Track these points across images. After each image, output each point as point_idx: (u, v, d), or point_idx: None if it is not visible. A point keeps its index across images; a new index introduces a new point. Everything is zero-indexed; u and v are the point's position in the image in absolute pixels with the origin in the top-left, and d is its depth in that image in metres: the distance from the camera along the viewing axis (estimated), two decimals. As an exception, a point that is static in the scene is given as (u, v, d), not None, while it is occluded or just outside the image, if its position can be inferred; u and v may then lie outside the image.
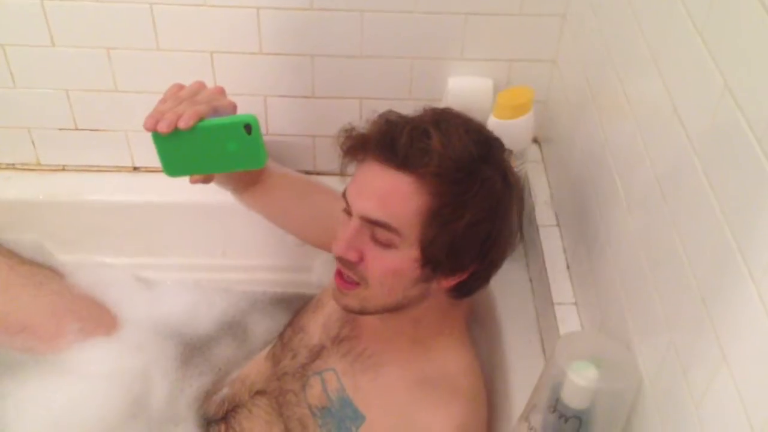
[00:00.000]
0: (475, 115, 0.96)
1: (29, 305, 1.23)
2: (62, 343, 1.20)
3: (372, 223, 0.88)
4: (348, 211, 0.91)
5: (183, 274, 1.34)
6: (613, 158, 0.90)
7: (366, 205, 0.88)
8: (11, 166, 1.32)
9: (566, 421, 0.78)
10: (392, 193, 0.87)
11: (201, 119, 0.87)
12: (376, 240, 0.89)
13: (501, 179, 0.90)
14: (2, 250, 1.28)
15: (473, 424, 0.94)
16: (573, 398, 0.78)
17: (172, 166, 0.91)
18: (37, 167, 1.33)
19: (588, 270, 0.98)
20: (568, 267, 1.05)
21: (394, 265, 0.89)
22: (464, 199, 0.87)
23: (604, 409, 0.78)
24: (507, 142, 0.95)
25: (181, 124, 0.85)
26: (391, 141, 0.86)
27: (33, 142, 1.29)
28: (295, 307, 1.24)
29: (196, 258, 1.35)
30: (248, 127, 0.87)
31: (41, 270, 1.28)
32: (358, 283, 0.92)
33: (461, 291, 0.96)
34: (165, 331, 1.27)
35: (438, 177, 0.85)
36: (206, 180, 0.96)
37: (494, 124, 1.06)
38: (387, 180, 0.87)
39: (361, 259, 0.90)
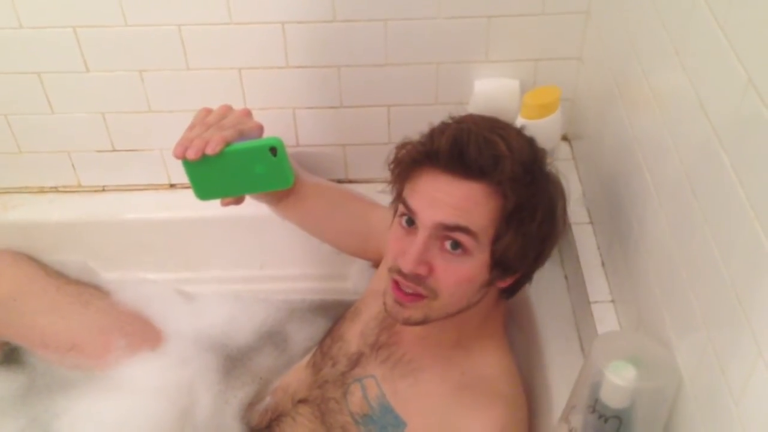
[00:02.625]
0: (503, 116, 0.96)
1: (77, 324, 1.27)
2: (110, 359, 1.23)
3: (449, 229, 0.87)
4: (410, 224, 0.91)
5: (222, 287, 1.37)
6: (642, 153, 0.90)
7: (442, 212, 0.87)
8: (54, 189, 1.36)
9: (606, 421, 0.78)
10: (468, 200, 0.87)
11: (228, 144, 0.90)
12: (446, 250, 0.89)
13: (553, 178, 0.93)
14: (49, 271, 1.32)
15: (514, 428, 0.95)
16: (612, 398, 0.77)
17: (203, 190, 0.94)
18: (78, 189, 1.36)
19: (623, 267, 0.97)
20: (603, 264, 1.05)
21: (467, 273, 0.90)
22: (535, 201, 0.89)
23: (644, 408, 0.77)
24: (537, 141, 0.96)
25: (209, 150, 0.88)
26: (459, 152, 0.87)
27: (73, 165, 1.33)
28: (333, 313, 1.26)
29: (234, 270, 1.37)
30: (274, 150, 0.90)
31: (87, 289, 1.32)
32: (423, 296, 0.91)
33: (511, 291, 0.98)
34: (207, 343, 1.29)
35: (511, 181, 0.87)
36: (237, 201, 0.98)
37: (522, 124, 1.06)
38: (461, 188, 0.87)
39: (431, 271, 0.90)
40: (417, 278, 0.90)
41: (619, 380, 0.76)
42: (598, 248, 1.07)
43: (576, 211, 1.13)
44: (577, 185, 1.18)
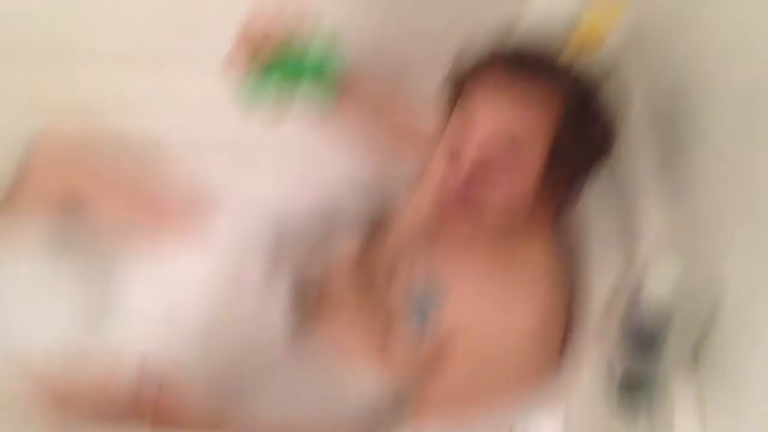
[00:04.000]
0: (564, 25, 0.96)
1: (138, 181, 1.33)
2: (171, 216, 1.29)
3: (501, 147, 0.88)
4: (461, 142, 0.92)
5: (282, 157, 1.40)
6: (700, 62, 0.88)
7: (499, 123, 0.88)
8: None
9: (647, 313, 0.81)
10: (526, 110, 0.88)
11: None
12: (499, 163, 0.90)
13: (613, 91, 0.94)
14: (107, 151, 1.36)
15: (553, 317, 0.99)
16: (654, 294, 0.80)
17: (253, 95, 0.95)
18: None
19: (677, 178, 0.97)
20: (657, 174, 1.04)
21: (517, 191, 0.91)
22: (597, 110, 0.90)
23: (685, 307, 0.80)
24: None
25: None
26: (519, 61, 0.88)
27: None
28: (388, 191, 1.29)
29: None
30: (324, 70, 0.91)
31: (144, 162, 1.37)
32: (472, 208, 0.94)
33: (565, 207, 1.01)
34: (263, 209, 1.34)
35: (573, 93, 0.88)
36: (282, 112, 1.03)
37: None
38: (519, 99, 0.88)
39: (481, 187, 0.91)
40: (465, 195, 0.92)
41: (662, 277, 0.78)
42: (654, 159, 1.06)
43: (633, 122, 1.12)
44: (635, 98, 1.16)
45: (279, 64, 0.93)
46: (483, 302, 0.99)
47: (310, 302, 1.19)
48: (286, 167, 1.41)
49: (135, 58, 1.38)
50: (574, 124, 0.89)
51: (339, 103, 1.10)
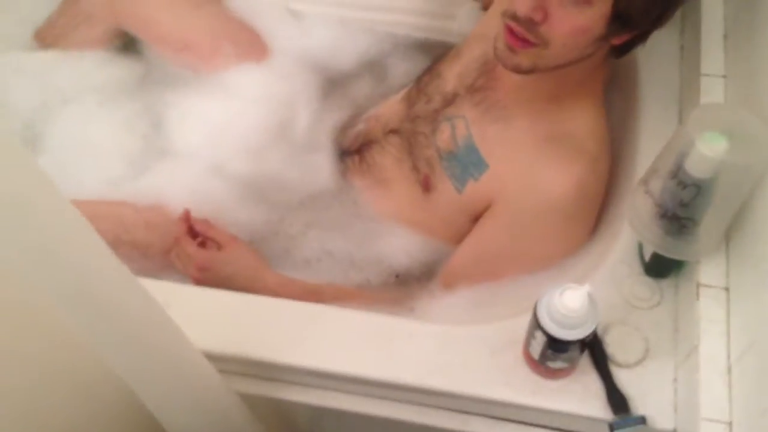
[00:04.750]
0: None
1: (190, 24, 1.32)
2: (218, 63, 1.29)
3: None
4: None
5: (330, 9, 1.37)
6: None
7: None
8: None
9: (685, 188, 0.79)
10: None
11: None
12: None
13: None
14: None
15: (591, 185, 0.97)
16: (696, 167, 0.77)
17: None
18: None
19: (746, 41, 0.92)
20: (725, 36, 0.99)
21: (584, 24, 0.86)
22: None
23: (726, 183, 0.77)
24: None
25: None
26: None
27: None
28: (435, 53, 1.25)
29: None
30: None
31: (200, -9, 1.34)
32: (533, 43, 0.89)
33: (623, 50, 0.94)
34: (310, 63, 1.33)
35: None
36: None
37: None
38: None
39: (546, 18, 0.86)
40: (530, 23, 0.87)
41: (707, 150, 0.75)
42: (725, 19, 1.00)
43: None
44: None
45: None
46: (522, 172, 0.97)
47: (353, 155, 1.20)
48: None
49: None
50: None
51: None
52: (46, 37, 1.36)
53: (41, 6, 1.37)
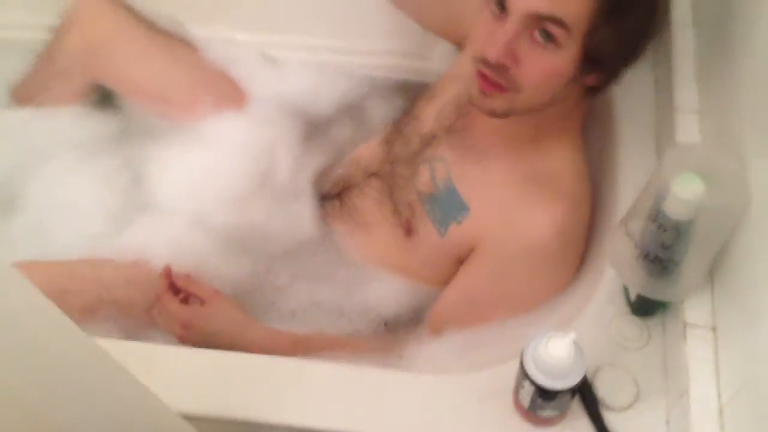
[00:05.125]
0: None
1: (167, 75, 1.31)
2: (197, 113, 1.28)
3: (542, 19, 0.83)
4: (500, 10, 0.86)
5: (307, 55, 1.37)
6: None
7: (537, 0, 0.83)
8: (148, -65, 1.34)
9: (664, 231, 0.79)
10: None
11: None
12: (536, 41, 0.85)
13: None
14: (142, 19, 1.33)
15: (574, 226, 0.96)
16: (675, 210, 0.77)
17: None
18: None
19: (718, 76, 0.92)
20: (697, 72, 0.99)
21: (555, 67, 0.86)
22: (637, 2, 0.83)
23: (706, 224, 0.77)
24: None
25: None
26: None
27: None
28: (413, 94, 1.25)
29: (320, 39, 1.36)
30: None
31: (177, 42, 1.34)
32: (506, 88, 0.89)
33: (597, 89, 0.94)
34: (289, 109, 1.32)
35: None
36: None
37: None
38: None
39: (516, 62, 0.86)
40: (501, 69, 0.87)
41: (684, 193, 0.75)
42: (696, 54, 1.01)
43: (680, 10, 1.05)
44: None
45: None
46: (504, 214, 0.97)
47: (334, 200, 1.19)
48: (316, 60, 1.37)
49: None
50: (613, 6, 0.83)
51: None
52: (22, 95, 1.35)
53: (16, 64, 1.36)
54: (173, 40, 1.34)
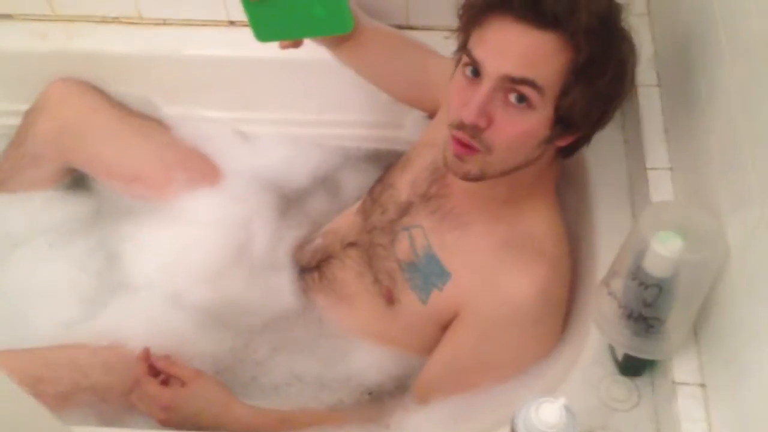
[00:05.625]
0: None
1: (140, 155, 1.31)
2: (171, 191, 1.28)
3: (515, 82, 0.85)
4: (475, 74, 0.88)
5: (279, 129, 1.38)
6: (720, 13, 0.84)
7: (510, 63, 0.85)
8: (115, 20, 1.36)
9: (646, 288, 0.79)
10: (539, 51, 0.84)
11: None
12: (509, 103, 0.86)
13: (626, 35, 0.89)
14: (113, 101, 1.35)
15: (555, 287, 0.96)
16: (655, 267, 0.78)
17: (262, 32, 0.94)
18: (139, 21, 1.36)
19: (686, 135, 0.94)
20: (666, 130, 1.01)
21: (527, 128, 0.88)
22: (607, 56, 0.86)
23: (687, 280, 0.78)
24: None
25: None
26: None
27: (134, -5, 1.32)
28: (386, 162, 1.26)
29: (291, 113, 1.38)
30: None
31: (149, 122, 1.35)
32: (478, 149, 0.90)
33: (569, 151, 0.96)
34: (263, 183, 1.33)
35: (586, 33, 0.83)
36: (296, 45, 0.98)
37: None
38: (532, 38, 0.84)
39: (489, 124, 0.88)
40: (475, 129, 0.88)
41: (663, 250, 0.76)
42: (663, 113, 1.03)
43: (645, 72, 1.08)
44: (649, 44, 1.11)
45: None
46: (485, 279, 0.97)
47: (313, 272, 1.18)
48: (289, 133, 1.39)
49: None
50: (584, 69, 0.85)
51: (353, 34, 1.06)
52: (-7, 181, 1.34)
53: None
54: (145, 120, 1.35)
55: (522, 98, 0.86)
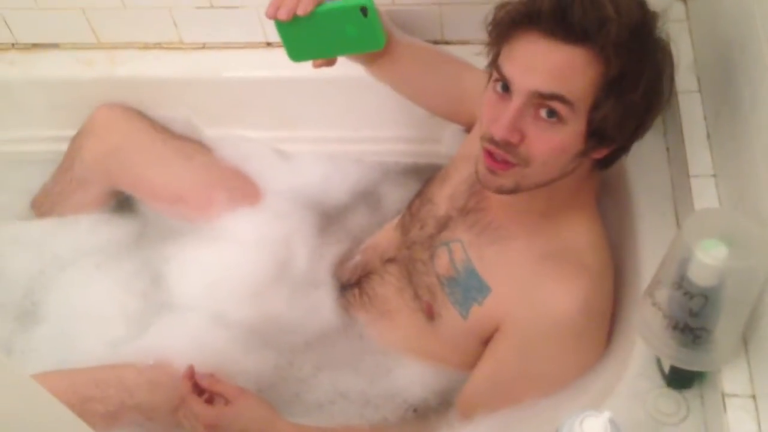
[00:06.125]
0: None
1: (183, 176, 1.34)
2: (213, 211, 1.30)
3: (545, 97, 0.84)
4: (505, 90, 0.88)
5: (317, 146, 1.39)
6: (761, 18, 0.82)
7: (539, 79, 0.84)
8: (157, 45, 1.39)
9: (691, 298, 0.77)
10: (568, 66, 0.84)
11: (319, 4, 0.89)
12: (540, 118, 0.86)
13: (662, 45, 0.87)
14: (156, 125, 1.38)
15: (598, 300, 0.95)
16: (700, 276, 0.76)
17: (296, 52, 0.95)
18: (180, 46, 1.39)
19: (729, 140, 0.92)
20: (708, 136, 0.99)
21: (561, 142, 0.87)
22: (640, 69, 0.84)
23: (733, 289, 0.75)
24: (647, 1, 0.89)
25: (300, 11, 0.88)
26: (562, 13, 0.82)
27: (174, 22, 1.35)
28: (425, 176, 1.26)
29: (329, 130, 1.39)
30: (364, 10, 0.88)
31: (190, 143, 1.38)
32: (514, 164, 0.89)
33: (606, 162, 0.95)
34: (303, 201, 1.34)
35: (616, 47, 0.82)
36: (329, 63, 0.99)
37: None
38: (560, 53, 0.83)
39: (522, 139, 0.87)
40: (508, 146, 0.88)
41: (708, 259, 0.74)
42: (705, 119, 1.01)
43: (685, 78, 1.06)
44: (688, 50, 1.09)
45: (320, 9, 0.91)
46: (526, 293, 0.95)
47: (353, 288, 1.18)
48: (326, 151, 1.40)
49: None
50: (616, 82, 0.84)
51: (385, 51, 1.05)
52: (43, 205, 1.38)
53: (36, 176, 1.40)
54: (186, 142, 1.37)
55: (552, 113, 0.85)
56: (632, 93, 0.85)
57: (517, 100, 0.86)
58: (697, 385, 0.88)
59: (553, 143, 0.87)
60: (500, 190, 0.93)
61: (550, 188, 0.94)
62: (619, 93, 0.85)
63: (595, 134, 0.87)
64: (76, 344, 1.16)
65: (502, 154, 0.89)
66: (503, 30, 0.89)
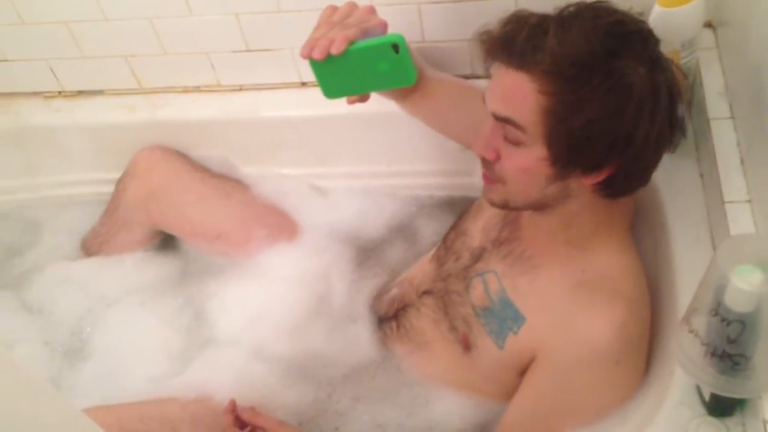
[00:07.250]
0: (638, 4, 0.91)
1: (222, 214, 1.37)
2: (252, 248, 1.33)
3: (501, 120, 0.89)
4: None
5: (353, 182, 1.42)
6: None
7: (495, 103, 0.89)
8: (196, 89, 1.44)
9: (728, 324, 0.76)
10: (513, 91, 0.87)
11: (352, 43, 0.91)
12: (507, 138, 0.90)
13: (644, 73, 0.84)
14: (195, 165, 1.42)
15: (634, 326, 0.94)
16: (736, 302, 0.75)
17: (330, 89, 0.98)
18: (217, 88, 1.43)
19: (763, 166, 0.92)
20: (742, 162, 0.99)
21: (523, 163, 0.90)
22: (581, 96, 0.84)
23: (771, 315, 0.75)
24: (675, 31, 0.90)
25: (333, 50, 0.91)
26: (510, 40, 0.86)
27: (212, 65, 1.39)
28: (459, 209, 1.27)
29: (364, 165, 1.41)
30: (396, 47, 0.91)
31: (229, 182, 1.41)
32: (495, 181, 0.94)
33: (610, 190, 0.93)
34: (340, 235, 1.36)
35: (549, 75, 0.84)
36: (362, 99, 1.02)
37: (659, 13, 0.99)
38: (508, 79, 0.87)
39: (498, 157, 0.92)
40: (486, 163, 0.94)
41: (744, 284, 0.73)
42: (738, 145, 1.01)
43: (716, 105, 1.06)
44: (719, 77, 1.10)
45: (353, 47, 0.93)
46: (561, 322, 0.95)
47: (390, 321, 1.20)
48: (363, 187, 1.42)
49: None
50: (557, 110, 0.84)
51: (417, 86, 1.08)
52: (91, 246, 1.43)
53: (84, 218, 1.45)
54: (225, 181, 1.41)
55: (509, 135, 0.89)
56: (573, 121, 0.84)
57: (490, 121, 0.91)
58: (738, 413, 0.86)
59: (516, 163, 0.91)
60: (492, 203, 0.99)
61: (563, 215, 0.96)
62: (558, 120, 0.85)
63: (557, 160, 0.88)
64: (121, 380, 1.19)
65: (484, 170, 0.95)
66: (484, 57, 0.93)
